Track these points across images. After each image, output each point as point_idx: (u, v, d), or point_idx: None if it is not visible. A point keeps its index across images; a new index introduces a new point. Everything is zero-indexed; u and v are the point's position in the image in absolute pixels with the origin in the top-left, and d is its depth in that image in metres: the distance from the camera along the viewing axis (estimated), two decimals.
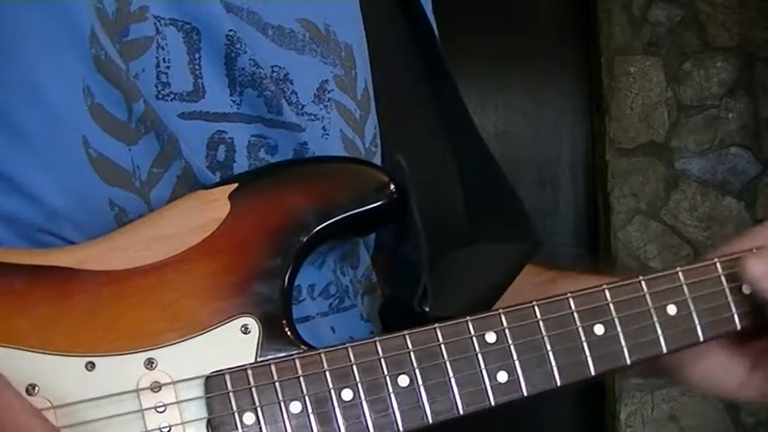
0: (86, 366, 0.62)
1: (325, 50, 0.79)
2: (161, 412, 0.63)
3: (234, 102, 0.73)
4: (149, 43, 0.69)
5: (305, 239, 0.68)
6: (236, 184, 0.69)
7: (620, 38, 3.31)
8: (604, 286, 0.73)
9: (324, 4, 0.80)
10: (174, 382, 0.63)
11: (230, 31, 0.71)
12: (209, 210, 0.67)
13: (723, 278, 0.77)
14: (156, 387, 0.63)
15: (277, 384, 0.64)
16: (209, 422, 0.63)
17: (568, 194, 3.33)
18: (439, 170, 0.87)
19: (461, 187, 0.88)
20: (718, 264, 0.77)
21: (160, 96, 0.69)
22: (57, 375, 0.61)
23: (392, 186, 0.72)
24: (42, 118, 0.64)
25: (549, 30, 3.36)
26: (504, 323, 0.69)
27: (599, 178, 3.32)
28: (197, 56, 0.71)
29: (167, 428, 0.62)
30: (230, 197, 0.68)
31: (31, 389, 0.61)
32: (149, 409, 0.62)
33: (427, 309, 0.72)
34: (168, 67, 0.69)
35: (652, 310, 0.74)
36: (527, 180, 3.23)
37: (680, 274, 0.75)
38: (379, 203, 0.71)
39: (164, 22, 0.69)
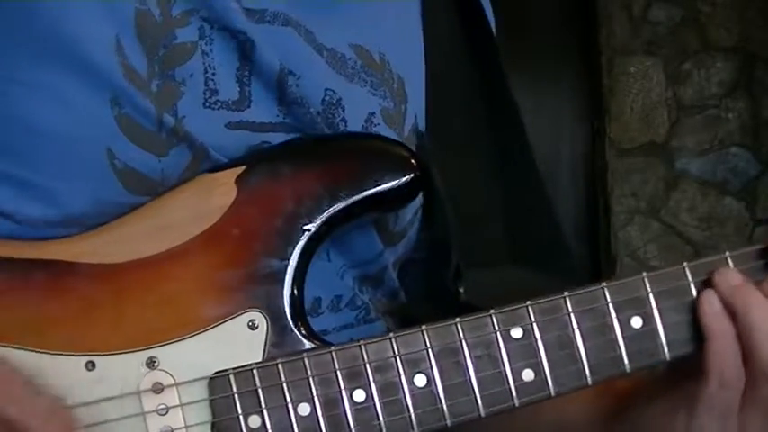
0: (86, 366, 0.59)
1: (375, 81, 0.74)
2: (163, 414, 0.60)
3: (281, 111, 0.69)
4: (194, 48, 0.65)
5: (317, 224, 0.64)
6: (243, 167, 0.65)
7: (620, 38, 3.29)
8: (644, 274, 0.66)
9: (382, 31, 0.75)
10: (176, 384, 0.60)
11: (286, 48, 0.68)
12: (214, 196, 0.63)
13: None
14: (158, 388, 0.60)
15: (284, 385, 0.61)
16: (213, 425, 0.60)
17: (568, 194, 3.32)
18: (483, 192, 0.81)
19: (508, 211, 0.81)
20: None
21: (207, 104, 0.66)
22: (57, 376, 0.59)
23: (413, 162, 0.67)
24: (66, 123, 0.61)
25: (548, 30, 3.35)
26: (532, 317, 0.64)
27: (599, 178, 3.31)
28: (248, 65, 0.67)
29: None
30: (237, 181, 0.64)
31: None
32: (151, 412, 0.59)
33: (462, 289, 0.67)
34: (214, 74, 0.66)
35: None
36: None
37: (729, 259, 0.67)
38: (398, 182, 0.66)
39: (215, 26, 0.66)
